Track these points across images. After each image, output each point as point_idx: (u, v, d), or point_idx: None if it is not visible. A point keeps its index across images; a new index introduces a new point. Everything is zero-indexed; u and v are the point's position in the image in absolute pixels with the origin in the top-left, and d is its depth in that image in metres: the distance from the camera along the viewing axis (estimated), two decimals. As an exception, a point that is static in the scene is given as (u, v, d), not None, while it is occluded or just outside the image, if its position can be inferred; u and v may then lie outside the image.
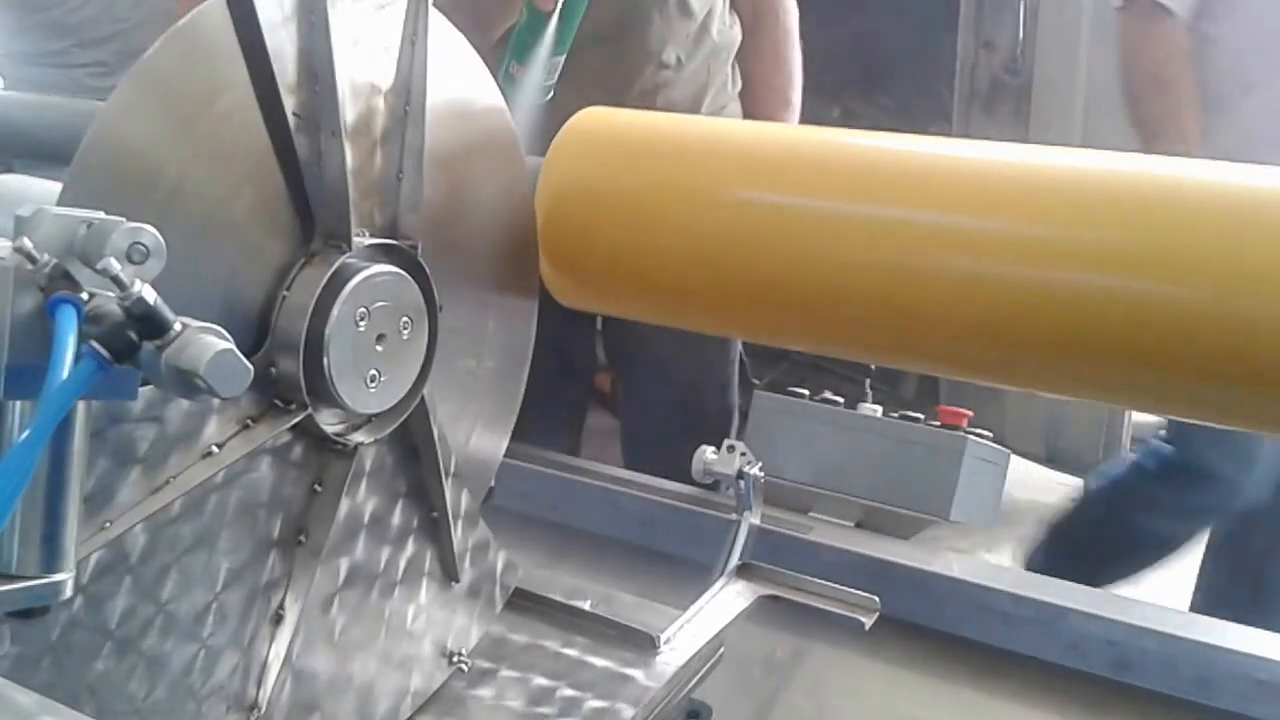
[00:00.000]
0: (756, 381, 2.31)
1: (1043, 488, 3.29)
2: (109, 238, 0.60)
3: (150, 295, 0.58)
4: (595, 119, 1.24)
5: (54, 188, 0.76)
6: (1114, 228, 0.97)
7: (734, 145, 1.19)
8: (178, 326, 0.59)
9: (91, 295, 0.62)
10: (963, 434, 1.59)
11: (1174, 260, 0.94)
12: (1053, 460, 3.09)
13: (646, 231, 1.16)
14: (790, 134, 1.16)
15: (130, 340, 0.58)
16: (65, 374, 0.57)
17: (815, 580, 1.19)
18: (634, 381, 2.09)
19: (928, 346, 1.10)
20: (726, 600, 1.17)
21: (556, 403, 1.87)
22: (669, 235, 1.15)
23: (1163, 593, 2.84)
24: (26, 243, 0.60)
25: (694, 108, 1.81)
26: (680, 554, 1.46)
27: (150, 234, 0.61)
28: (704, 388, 1.99)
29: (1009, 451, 1.71)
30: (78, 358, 0.57)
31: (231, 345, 0.59)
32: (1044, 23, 2.73)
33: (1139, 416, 3.26)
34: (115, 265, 0.58)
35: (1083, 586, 1.39)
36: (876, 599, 1.16)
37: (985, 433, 1.63)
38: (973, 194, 1.04)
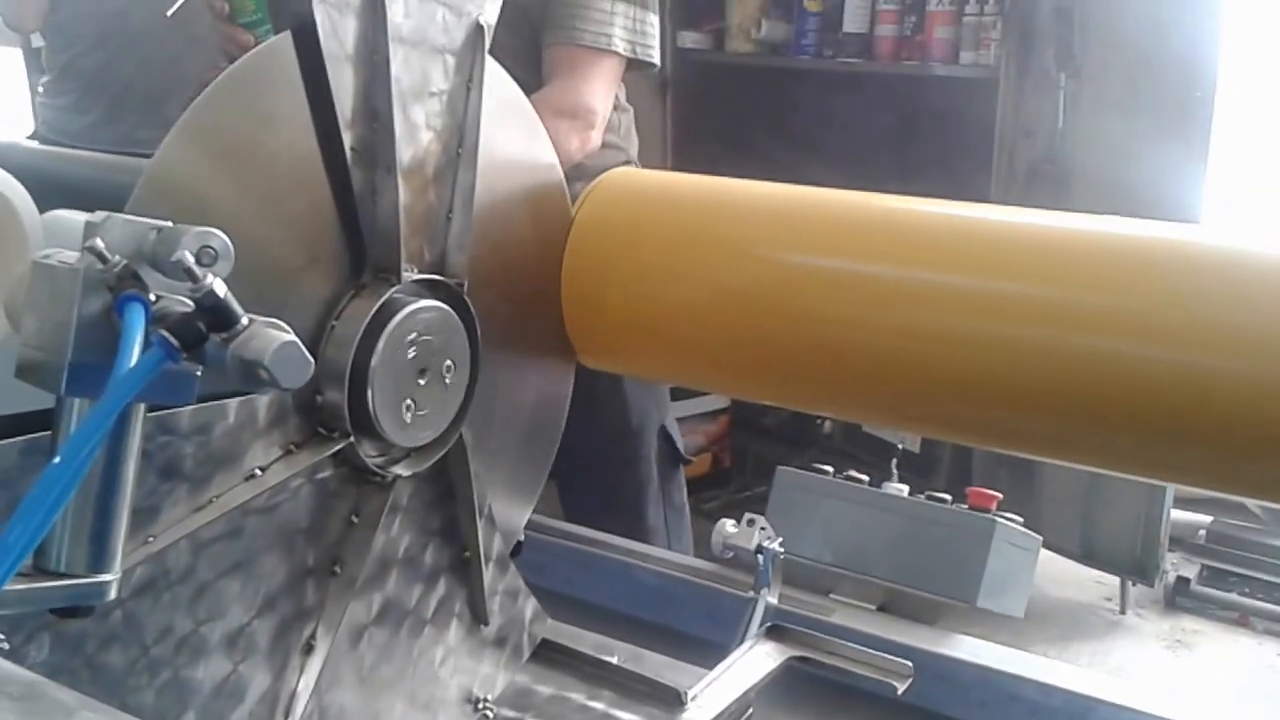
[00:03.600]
0: (691, 459, 2.30)
1: (1077, 585, 3.26)
2: (179, 241, 0.64)
3: (220, 289, 0.61)
4: (621, 179, 1.26)
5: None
6: (1146, 296, 0.98)
7: (758, 206, 1.21)
8: (244, 320, 0.62)
9: (158, 298, 0.65)
10: (992, 517, 1.58)
11: (1201, 330, 0.95)
12: (1088, 557, 3.06)
13: (668, 292, 1.18)
14: (815, 196, 1.18)
15: (199, 331, 0.61)
16: (132, 363, 0.59)
17: (846, 644, 1.19)
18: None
19: (947, 410, 1.10)
20: (755, 660, 1.17)
21: None
22: (691, 296, 1.16)
23: (1196, 684, 2.80)
24: (99, 243, 0.64)
25: None
26: (693, 633, 1.44)
27: (219, 238, 0.64)
28: (606, 462, 1.98)
29: (1040, 538, 1.69)
30: (146, 346, 0.60)
31: (295, 339, 0.62)
32: (1083, 112, 2.79)
33: (1178, 514, 3.24)
34: (189, 258, 0.61)
35: (1114, 678, 1.37)
36: (909, 664, 1.16)
37: (1016, 517, 1.62)
38: (1001, 258, 1.04)
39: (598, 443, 1.89)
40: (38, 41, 2.71)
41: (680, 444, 2.06)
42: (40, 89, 2.64)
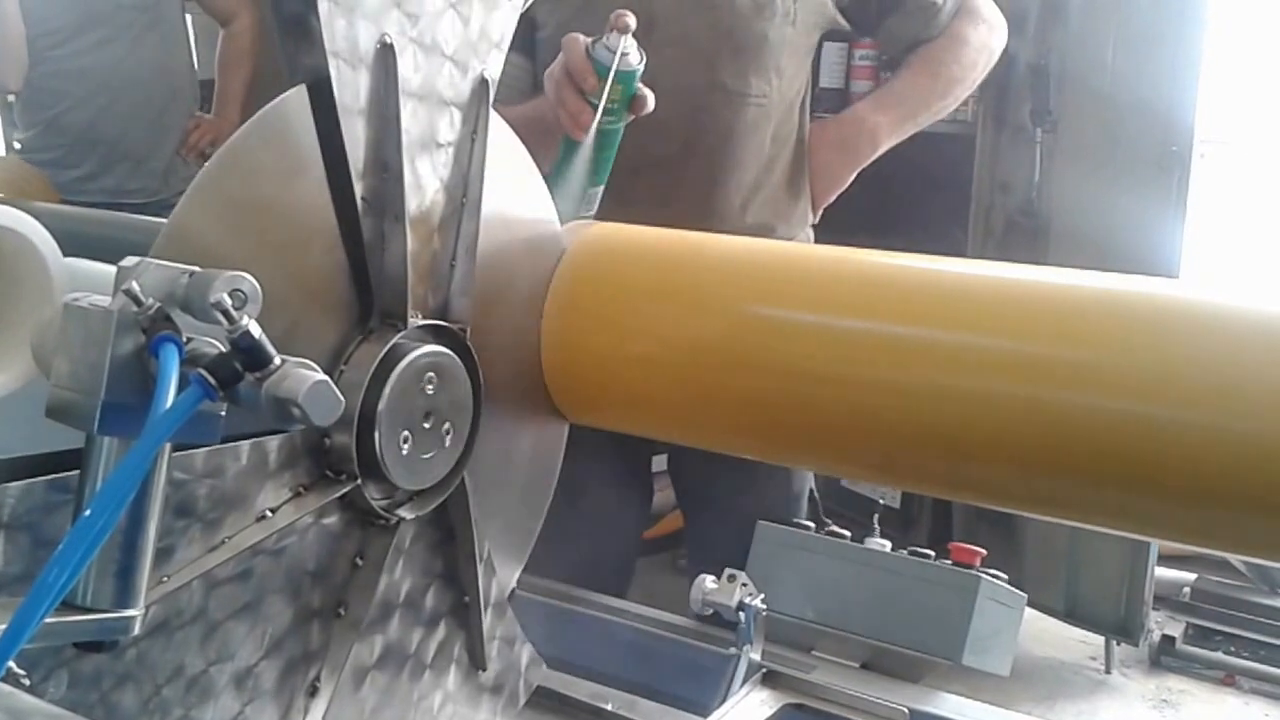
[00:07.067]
0: (829, 521, 2.35)
1: (1061, 644, 3.31)
2: (212, 284, 0.68)
3: (255, 329, 0.66)
4: (602, 233, 1.30)
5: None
6: (1123, 350, 1.01)
7: (738, 261, 1.25)
8: (277, 360, 0.67)
9: (189, 339, 0.70)
10: (976, 573, 1.62)
11: (1180, 384, 0.98)
12: (1071, 615, 3.11)
13: (644, 345, 1.21)
14: (793, 251, 1.22)
15: (235, 370, 0.65)
16: (169, 402, 0.64)
17: (842, 690, 1.23)
18: (699, 522, 2.16)
19: (928, 465, 1.13)
20: (751, 707, 1.22)
21: (606, 542, 1.91)
22: (667, 350, 1.20)
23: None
24: (135, 285, 0.68)
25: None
26: (671, 690, 1.46)
27: (249, 282, 0.69)
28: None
29: (1024, 595, 1.74)
30: (183, 386, 0.65)
31: (326, 378, 0.67)
32: (1060, 165, 2.88)
33: (1162, 572, 3.29)
34: (227, 300, 0.66)
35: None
36: (905, 710, 1.20)
37: (999, 574, 1.66)
38: (978, 313, 1.08)
39: (759, 507, 1.93)
40: None
41: (820, 508, 2.10)
42: (17, 144, 2.71)
